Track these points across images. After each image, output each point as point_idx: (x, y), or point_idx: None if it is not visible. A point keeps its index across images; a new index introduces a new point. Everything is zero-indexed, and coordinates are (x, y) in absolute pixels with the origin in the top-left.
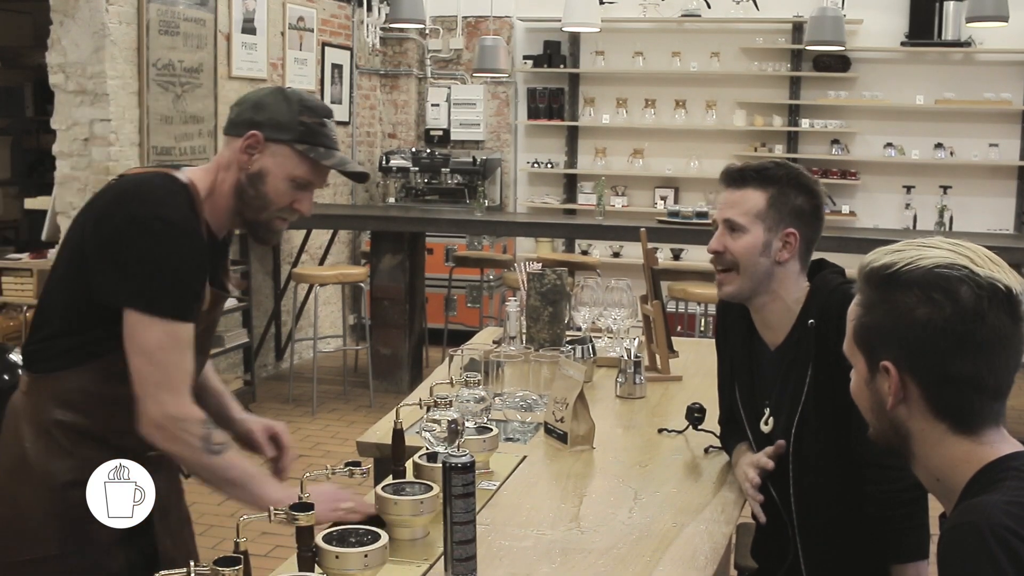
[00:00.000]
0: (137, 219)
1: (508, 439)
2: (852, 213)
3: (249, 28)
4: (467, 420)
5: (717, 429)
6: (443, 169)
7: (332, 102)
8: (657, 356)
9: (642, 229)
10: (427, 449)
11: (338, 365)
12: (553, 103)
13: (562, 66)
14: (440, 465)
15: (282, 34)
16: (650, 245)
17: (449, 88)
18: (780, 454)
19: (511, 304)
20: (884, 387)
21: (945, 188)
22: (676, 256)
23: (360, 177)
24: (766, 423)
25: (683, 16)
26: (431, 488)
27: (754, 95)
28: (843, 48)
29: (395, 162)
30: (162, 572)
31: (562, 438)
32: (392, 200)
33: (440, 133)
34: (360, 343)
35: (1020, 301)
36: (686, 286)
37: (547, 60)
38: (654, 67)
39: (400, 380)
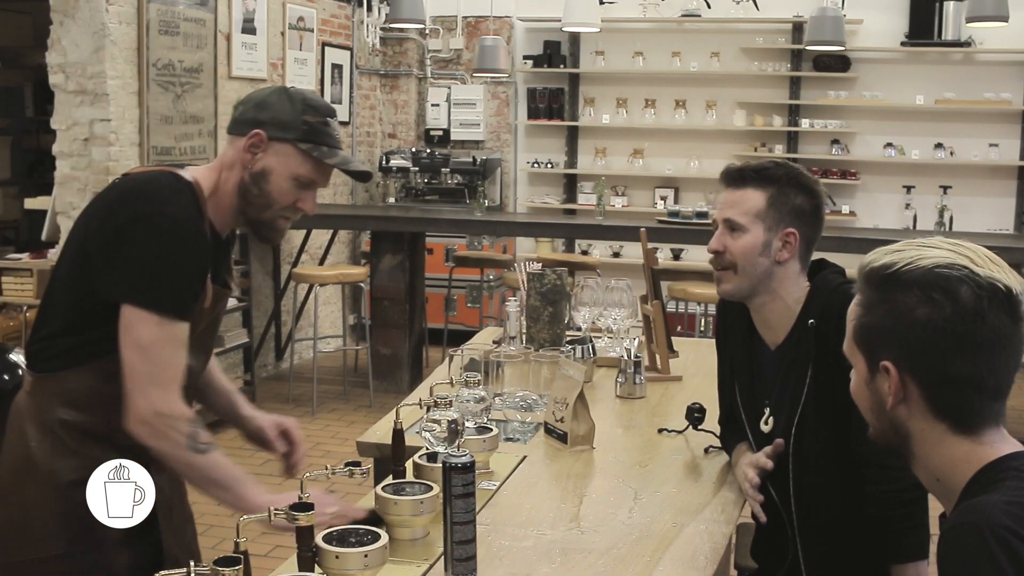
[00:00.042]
0: (141, 217)
1: (508, 439)
2: (852, 213)
3: (249, 28)
4: (467, 420)
5: (717, 429)
6: (443, 169)
7: (332, 102)
8: (657, 356)
9: (642, 229)
10: (427, 449)
11: (338, 365)
12: (553, 103)
13: (562, 66)
14: (440, 465)
15: (282, 34)
16: (650, 245)
17: (449, 88)
18: (779, 453)
19: (511, 304)
20: (884, 387)
21: (945, 188)
22: (676, 256)
23: (363, 176)
24: (766, 423)
25: (683, 16)
26: (431, 488)
27: (754, 95)
28: (843, 48)
29: (395, 162)
30: (162, 572)
31: (562, 438)
32: (392, 200)
33: (440, 133)
34: (360, 343)
35: (1020, 301)
36: (686, 286)
37: (547, 60)
38: (654, 67)
39: (400, 380)
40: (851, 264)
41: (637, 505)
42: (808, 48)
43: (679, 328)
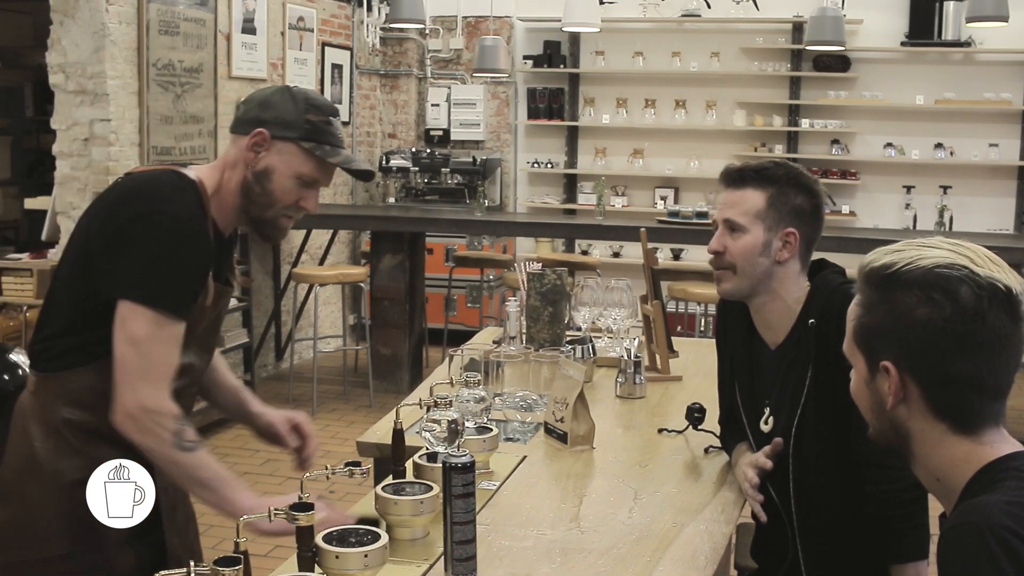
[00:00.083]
0: (142, 216)
1: (508, 439)
2: (852, 213)
3: (249, 28)
4: (467, 420)
5: (717, 429)
6: (443, 169)
7: (332, 102)
8: (657, 356)
9: (642, 229)
10: (427, 449)
11: (338, 365)
12: (553, 103)
13: (562, 66)
14: (440, 465)
15: (282, 34)
16: (650, 245)
17: (449, 88)
18: (779, 453)
19: (511, 304)
20: (884, 387)
21: (945, 188)
22: (676, 256)
23: (365, 175)
24: (766, 423)
25: (683, 16)
26: (431, 488)
27: (754, 95)
28: (843, 48)
29: (395, 162)
30: (162, 572)
31: (562, 438)
32: (392, 200)
33: (440, 133)
34: (360, 343)
35: (1020, 301)
36: (686, 286)
37: (547, 60)
38: (654, 67)
39: (400, 380)
40: (851, 264)
41: (637, 505)
42: (808, 48)
43: (679, 328)
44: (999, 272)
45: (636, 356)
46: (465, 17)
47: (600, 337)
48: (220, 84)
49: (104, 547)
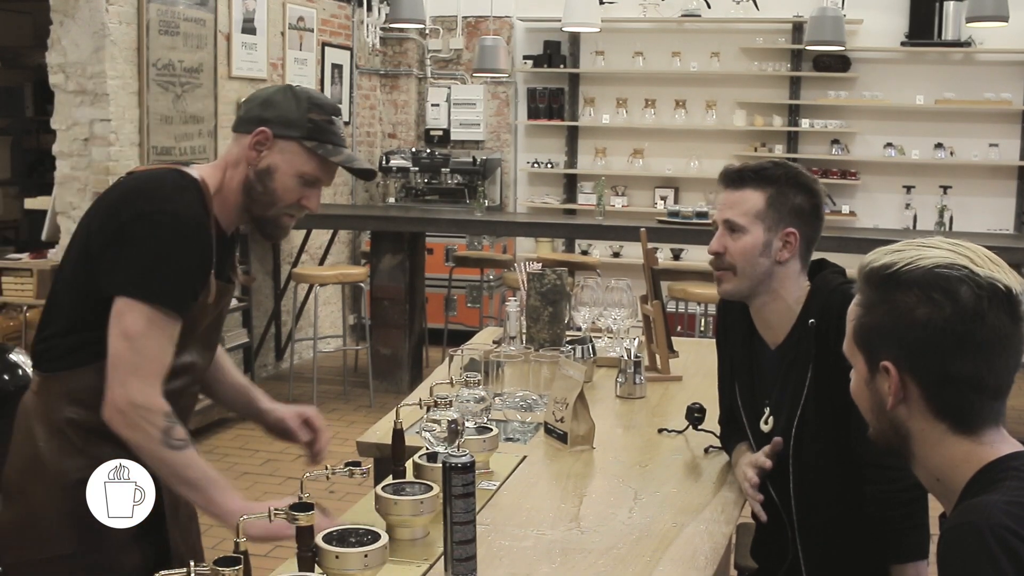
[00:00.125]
0: (143, 214)
1: (508, 439)
2: (852, 213)
3: (249, 28)
4: (467, 420)
5: (717, 429)
6: (443, 169)
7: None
8: (657, 356)
9: (642, 229)
10: (427, 449)
11: (338, 365)
12: (553, 103)
13: (562, 66)
14: (440, 465)
15: (282, 34)
16: (650, 245)
17: (449, 88)
18: (779, 453)
19: (511, 304)
20: (884, 387)
21: (945, 188)
22: (676, 256)
23: (367, 174)
24: (766, 423)
25: (683, 16)
26: (431, 488)
27: (754, 95)
28: (843, 48)
29: (395, 162)
30: (162, 572)
31: (562, 438)
32: (392, 200)
33: (440, 133)
34: (360, 343)
35: (1020, 301)
36: (686, 286)
37: (547, 60)
38: (654, 67)
39: (400, 380)
40: (851, 264)
41: (637, 505)
42: (808, 48)
43: (679, 328)
44: (999, 272)
45: (636, 356)
46: (465, 17)
47: (600, 337)
48: (220, 84)
49: (108, 546)
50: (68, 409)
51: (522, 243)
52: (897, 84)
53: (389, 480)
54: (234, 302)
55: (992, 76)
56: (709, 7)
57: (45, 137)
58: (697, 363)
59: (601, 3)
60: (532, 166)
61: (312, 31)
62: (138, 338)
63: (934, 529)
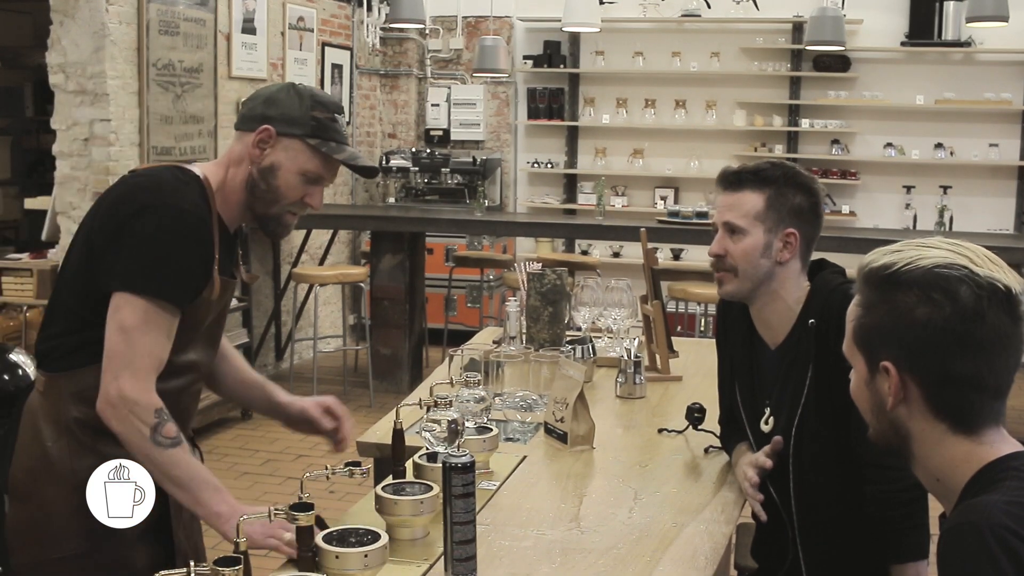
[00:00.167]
0: (144, 209)
1: (508, 439)
2: (852, 213)
3: (249, 28)
4: (467, 420)
5: (717, 429)
6: (443, 169)
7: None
8: (657, 356)
9: (642, 229)
10: (427, 449)
11: (338, 365)
12: (553, 103)
13: (562, 66)
14: (440, 465)
15: (282, 34)
16: (650, 245)
17: (449, 88)
18: (779, 453)
19: (511, 304)
20: (884, 387)
21: (945, 188)
22: (676, 256)
23: (369, 172)
24: (766, 423)
25: (683, 16)
26: (431, 488)
27: (754, 95)
28: (843, 48)
29: (395, 162)
30: (162, 572)
31: (562, 438)
32: (392, 200)
33: (440, 133)
34: (360, 343)
35: (1020, 301)
36: (686, 286)
37: (547, 60)
38: (654, 67)
39: (400, 380)
40: (851, 264)
41: (637, 505)
42: (808, 48)
43: (679, 328)
44: (999, 272)
45: (636, 356)
46: (465, 17)
47: (600, 337)
48: (220, 84)
49: (118, 545)
50: (75, 408)
51: (522, 243)
52: (897, 84)
53: (389, 480)
54: (234, 302)
55: (992, 76)
56: (709, 7)
57: (45, 137)
58: (697, 363)
59: (601, 3)
60: (532, 166)
61: (312, 31)
62: (133, 332)
63: (934, 529)
